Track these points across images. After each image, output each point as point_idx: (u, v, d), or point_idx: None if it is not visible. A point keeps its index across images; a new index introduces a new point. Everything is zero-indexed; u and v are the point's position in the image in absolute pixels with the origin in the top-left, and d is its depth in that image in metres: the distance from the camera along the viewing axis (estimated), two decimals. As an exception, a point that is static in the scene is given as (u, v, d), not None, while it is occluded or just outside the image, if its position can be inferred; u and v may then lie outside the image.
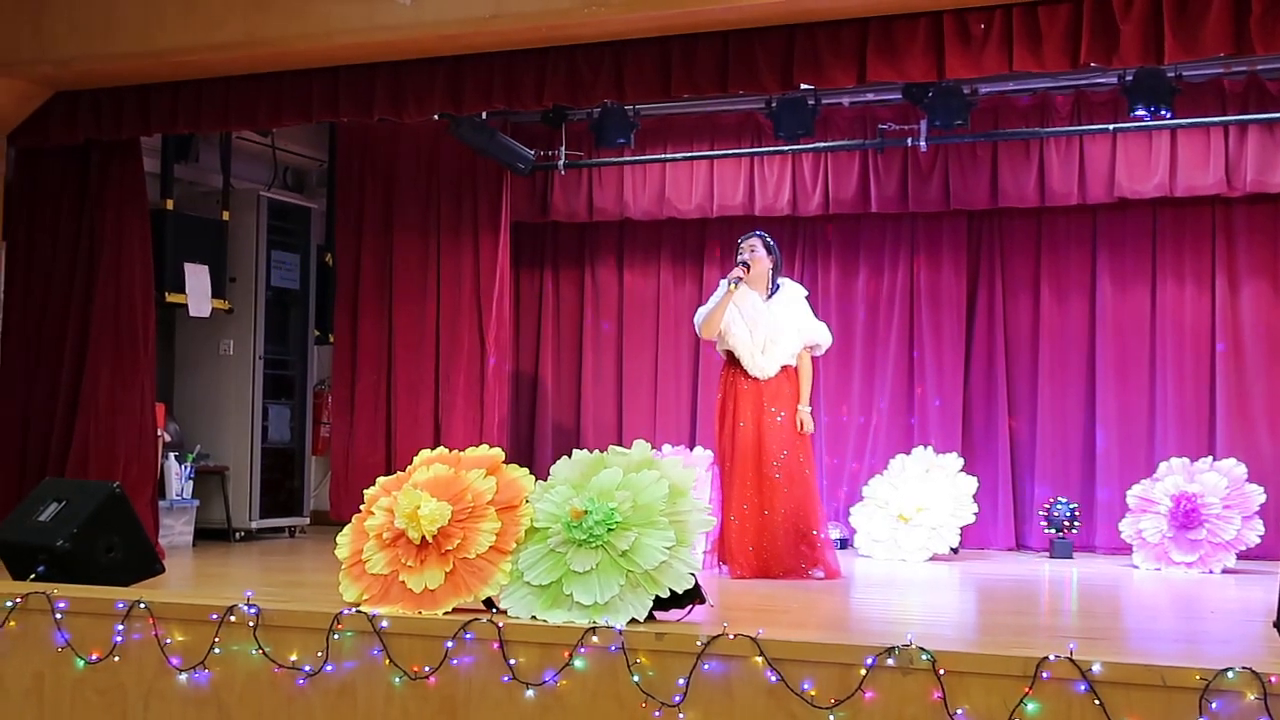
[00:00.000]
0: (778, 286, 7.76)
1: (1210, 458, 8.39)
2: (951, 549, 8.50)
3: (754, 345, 7.58)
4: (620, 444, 5.13)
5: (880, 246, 9.64)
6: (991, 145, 9.07)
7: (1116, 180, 8.86)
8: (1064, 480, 9.14)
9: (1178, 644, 5.50)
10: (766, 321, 7.60)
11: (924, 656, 4.13)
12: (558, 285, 10.39)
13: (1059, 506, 8.69)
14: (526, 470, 5.17)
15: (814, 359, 7.86)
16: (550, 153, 9.58)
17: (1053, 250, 9.32)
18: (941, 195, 9.24)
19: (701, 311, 7.79)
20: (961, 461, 8.75)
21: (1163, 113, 7.98)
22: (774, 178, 9.55)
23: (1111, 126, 8.68)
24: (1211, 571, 7.92)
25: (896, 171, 9.30)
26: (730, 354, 7.68)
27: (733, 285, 7.57)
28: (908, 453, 8.92)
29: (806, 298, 7.88)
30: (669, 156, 9.65)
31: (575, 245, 10.34)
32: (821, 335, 7.80)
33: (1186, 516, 8.01)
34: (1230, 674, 3.82)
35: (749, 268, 7.63)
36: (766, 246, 7.72)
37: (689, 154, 9.63)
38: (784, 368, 7.63)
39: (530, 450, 10.09)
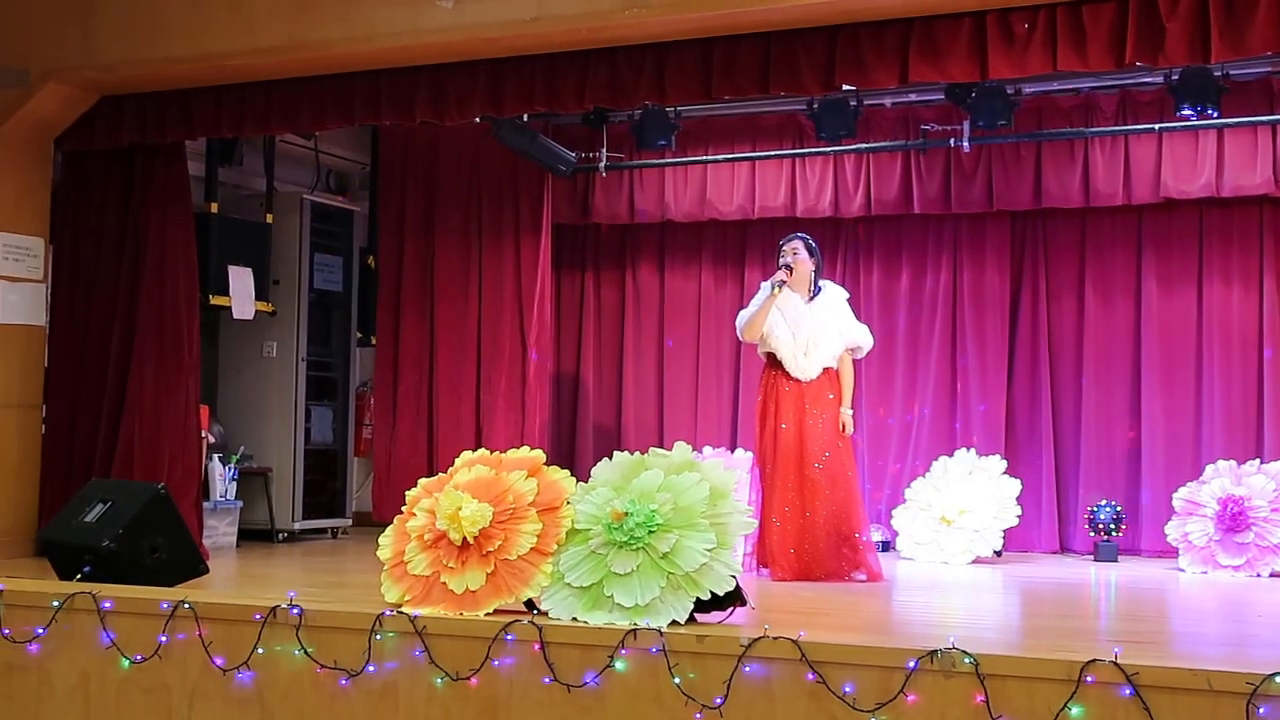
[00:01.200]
0: (819, 289, 7.75)
1: (1257, 460, 8.32)
2: (994, 552, 8.45)
3: (796, 347, 7.57)
4: (661, 446, 5.13)
5: (923, 248, 9.60)
6: (1035, 145, 9.02)
7: (1162, 180, 8.79)
8: (1108, 482, 9.07)
9: (1224, 648, 5.45)
10: (809, 323, 7.59)
11: (966, 660, 4.11)
12: (599, 287, 10.39)
13: (1103, 509, 8.64)
14: (567, 472, 5.18)
15: (855, 361, 7.85)
16: (591, 155, 9.59)
17: (1097, 251, 9.25)
18: (985, 196, 9.19)
19: (743, 314, 7.79)
20: (1004, 464, 8.70)
21: (1209, 112, 7.91)
22: (815, 179, 9.53)
23: (1157, 126, 8.60)
24: (1259, 575, 7.85)
25: (939, 172, 9.25)
26: (771, 356, 7.67)
27: (776, 288, 7.57)
28: (950, 455, 8.88)
29: (848, 300, 7.87)
30: (710, 158, 9.64)
31: (616, 247, 10.35)
32: (863, 338, 7.79)
33: (1233, 519, 7.94)
34: (1278, 678, 3.79)
35: (792, 270, 7.63)
36: (809, 249, 7.72)
37: (730, 155, 9.62)
38: (825, 370, 7.62)
39: (571, 452, 10.10)
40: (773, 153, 9.57)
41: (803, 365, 7.58)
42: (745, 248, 9.95)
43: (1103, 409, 9.17)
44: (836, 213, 9.51)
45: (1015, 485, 8.55)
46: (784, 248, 7.74)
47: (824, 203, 9.49)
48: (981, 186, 9.18)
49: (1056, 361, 9.32)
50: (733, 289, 9.96)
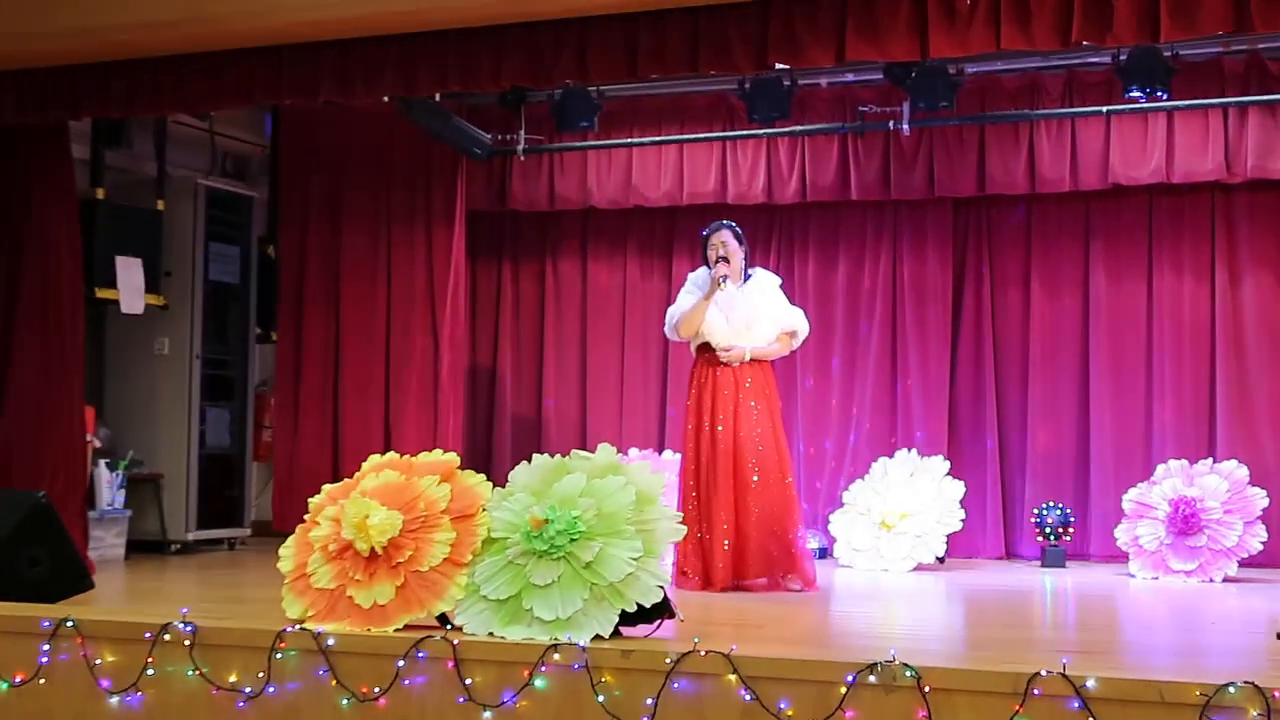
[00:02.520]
0: (749, 275, 7.77)
1: (1210, 460, 8.44)
2: (937, 558, 8.52)
3: (730, 332, 7.57)
4: (584, 448, 5.12)
5: (861, 237, 9.66)
6: (978, 129, 9.09)
7: (1110, 166, 8.89)
8: (1056, 484, 9.17)
9: (1176, 657, 5.53)
10: (742, 305, 7.60)
11: (908, 673, 4.13)
12: (517, 279, 10.37)
13: (1051, 512, 8.73)
14: (483, 477, 5.16)
15: (792, 353, 7.90)
16: (508, 137, 9.55)
17: (1043, 240, 9.35)
18: (925, 182, 9.26)
19: (675, 311, 7.75)
20: (948, 465, 8.77)
21: (1159, 94, 8.01)
22: (747, 163, 9.55)
23: (1105, 109, 8.71)
24: (1212, 580, 7.96)
25: (878, 157, 9.31)
26: (703, 346, 7.66)
27: (723, 284, 7.54)
28: (890, 456, 8.94)
29: (780, 286, 7.88)
30: (636, 141, 9.63)
31: (535, 236, 10.32)
32: (799, 322, 7.80)
33: (1185, 522, 8.05)
34: (1232, 689, 3.84)
35: (729, 262, 7.62)
36: (737, 237, 7.70)
37: (657, 138, 9.61)
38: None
39: (488, 455, 10.07)
40: (702, 135, 9.58)
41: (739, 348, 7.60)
42: (673, 236, 9.96)
43: (1049, 406, 9.27)
44: (770, 199, 9.55)
45: (959, 488, 8.62)
46: (711, 240, 7.70)
47: (756, 189, 9.52)
48: (922, 172, 9.24)
49: (1001, 356, 9.41)
50: (660, 280, 9.97)
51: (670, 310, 7.86)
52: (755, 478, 7.42)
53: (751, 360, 7.59)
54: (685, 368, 8.15)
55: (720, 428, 7.50)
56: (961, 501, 8.58)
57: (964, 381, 9.45)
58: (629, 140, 9.64)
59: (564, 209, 10.04)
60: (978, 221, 9.51)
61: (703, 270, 7.77)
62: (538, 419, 10.21)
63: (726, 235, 7.69)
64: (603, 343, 10.12)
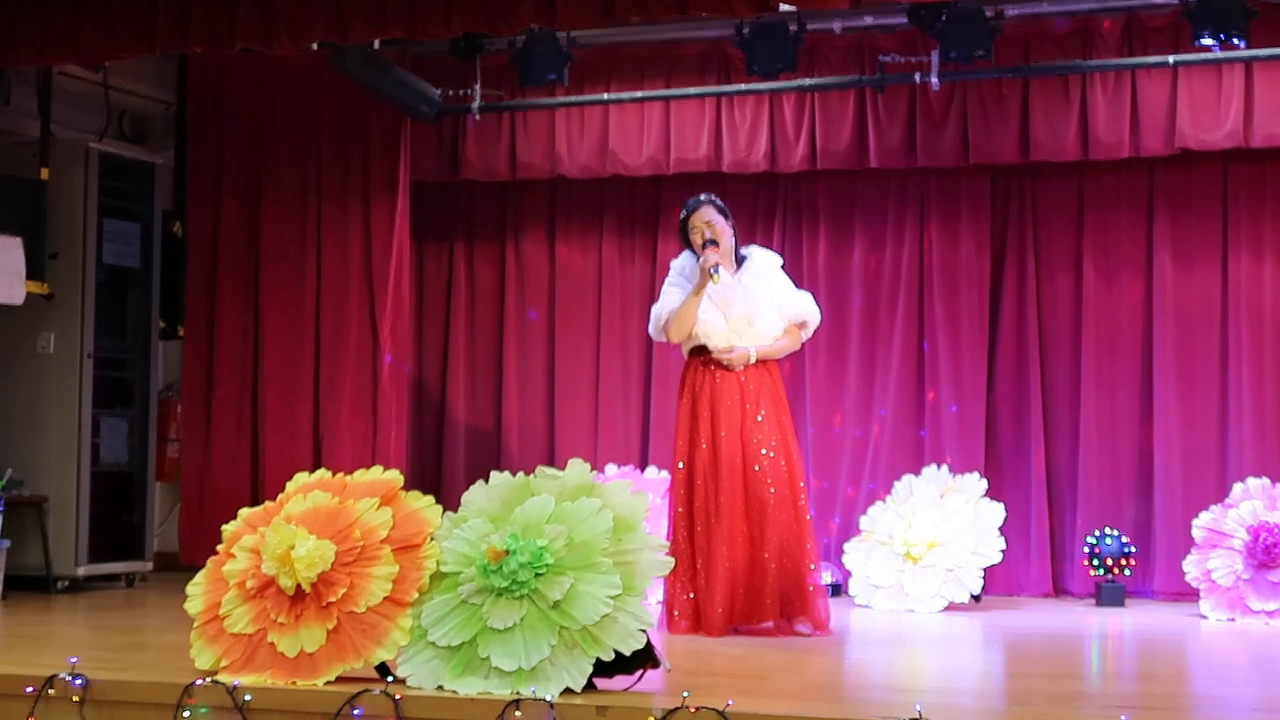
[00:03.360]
0: (744, 256, 7.73)
1: (1296, 478, 8.49)
2: (972, 596, 8.52)
3: (730, 331, 7.54)
4: (552, 464, 5.13)
5: (881, 211, 9.67)
6: (1021, 83, 9.11)
7: (1178, 127, 8.90)
8: (1113, 508, 9.18)
9: (1256, 714, 5.53)
10: (741, 298, 7.56)
11: (938, 733, 4.14)
12: (471, 262, 10.36)
13: (1107, 541, 8.74)
14: (432, 499, 5.16)
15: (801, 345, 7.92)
16: (462, 93, 9.54)
17: (1098, 216, 9.37)
18: (958, 146, 9.27)
19: (662, 309, 7.69)
20: (985, 484, 8.77)
21: (1235, 42, 8.03)
22: (746, 124, 9.55)
23: (1171, 59, 8.72)
24: (1298, 621, 8.01)
25: (902, 116, 9.32)
26: (697, 348, 7.63)
27: (714, 274, 7.46)
28: (917, 473, 8.94)
29: (782, 267, 7.85)
30: (613, 97, 9.63)
31: (494, 211, 10.32)
32: (808, 309, 7.76)
33: (1267, 552, 8.07)
34: (1323, 752, 3.86)
35: (718, 245, 7.58)
36: (721, 212, 7.65)
37: (638, 94, 9.61)
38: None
39: (437, 474, 10.08)
40: (692, 91, 9.58)
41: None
42: (658, 211, 9.96)
43: (1106, 414, 9.28)
44: (773, 167, 9.55)
45: (998, 511, 8.62)
46: (692, 221, 7.63)
47: (757, 154, 9.52)
48: (954, 135, 9.25)
49: (1049, 355, 9.42)
50: (642, 263, 9.97)
51: (655, 309, 7.81)
52: (772, 497, 7.38)
53: (756, 360, 7.58)
54: (673, 368, 8.15)
55: (723, 434, 7.47)
56: (1001, 528, 8.59)
57: (1004, 384, 9.46)
58: (605, 96, 9.63)
59: (527, 178, 10.04)
60: (1020, 194, 9.52)
61: (686, 256, 7.72)
62: (496, 430, 10.20)
63: (710, 213, 7.63)
64: (574, 338, 10.12)
